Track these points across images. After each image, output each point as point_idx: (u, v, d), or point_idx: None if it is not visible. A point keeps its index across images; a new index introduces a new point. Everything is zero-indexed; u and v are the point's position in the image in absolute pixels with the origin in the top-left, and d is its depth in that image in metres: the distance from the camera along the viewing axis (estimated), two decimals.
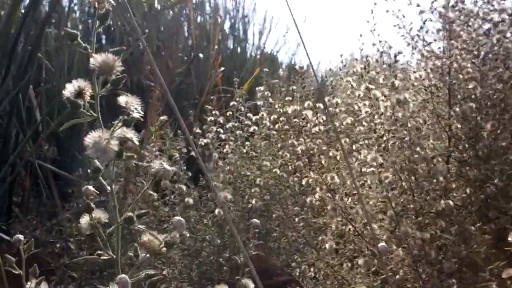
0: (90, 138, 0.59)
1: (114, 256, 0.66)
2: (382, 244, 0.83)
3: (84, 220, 0.66)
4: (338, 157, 1.58)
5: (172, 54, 3.42)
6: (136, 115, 0.63)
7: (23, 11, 2.18)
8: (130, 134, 0.64)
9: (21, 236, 0.83)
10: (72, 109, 0.63)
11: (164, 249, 0.66)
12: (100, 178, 0.64)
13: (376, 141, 1.31)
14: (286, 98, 2.02)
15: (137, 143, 0.64)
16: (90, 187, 0.67)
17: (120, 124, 0.63)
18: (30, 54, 2.10)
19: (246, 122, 2.19)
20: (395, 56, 1.30)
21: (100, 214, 0.66)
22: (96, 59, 0.62)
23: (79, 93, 0.62)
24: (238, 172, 2.08)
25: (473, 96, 1.38)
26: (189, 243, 1.84)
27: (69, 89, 0.63)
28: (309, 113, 1.47)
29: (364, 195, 1.35)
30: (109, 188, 0.65)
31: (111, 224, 0.66)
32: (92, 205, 0.65)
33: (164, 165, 0.67)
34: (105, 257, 0.65)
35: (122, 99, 0.63)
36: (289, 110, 1.50)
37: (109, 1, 0.66)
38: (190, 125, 2.41)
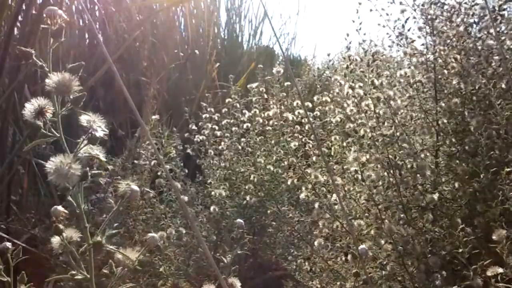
0: (52, 164, 0.59)
1: (88, 276, 0.66)
2: (362, 246, 0.85)
3: (56, 240, 0.65)
4: (332, 153, 1.62)
5: (168, 50, 3.43)
6: (100, 133, 0.62)
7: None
8: (96, 151, 0.63)
9: (8, 244, 0.84)
10: (32, 131, 0.62)
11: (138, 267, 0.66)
12: (69, 197, 0.64)
13: (357, 140, 1.34)
14: (281, 94, 2.05)
15: (104, 159, 0.64)
16: (59, 208, 0.66)
17: (84, 143, 0.63)
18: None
19: (241, 119, 2.22)
20: (373, 55, 1.32)
21: (71, 233, 0.65)
22: (53, 79, 0.61)
23: (39, 112, 0.62)
24: (233, 169, 2.11)
25: (458, 92, 1.40)
26: (186, 239, 1.86)
27: (29, 109, 0.62)
28: (290, 116, 1.49)
29: (351, 191, 1.37)
30: (78, 209, 0.65)
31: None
32: (61, 226, 0.65)
33: (132, 186, 0.66)
34: (79, 277, 0.65)
35: (84, 118, 0.63)
36: (270, 113, 1.52)
37: (61, 16, 0.64)
38: (186, 122, 2.44)
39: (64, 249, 0.65)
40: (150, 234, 0.70)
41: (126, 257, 0.65)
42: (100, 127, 0.63)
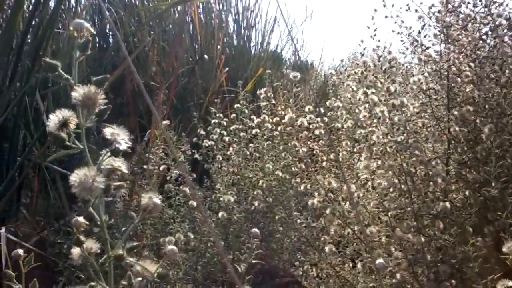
0: (76, 177, 0.59)
1: (108, 287, 0.66)
2: (379, 261, 0.84)
3: (76, 251, 0.65)
4: (340, 159, 1.61)
5: (177, 55, 3.45)
6: (123, 146, 0.63)
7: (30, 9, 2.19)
8: (118, 163, 0.64)
9: (20, 251, 0.84)
10: (56, 142, 0.62)
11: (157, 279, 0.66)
12: (91, 209, 0.64)
13: (369, 148, 1.33)
14: (290, 100, 2.05)
15: (126, 171, 0.64)
16: (80, 219, 0.66)
17: (107, 155, 0.63)
18: (36, 55, 2.12)
19: (249, 124, 2.22)
20: (390, 62, 1.32)
21: (91, 244, 0.66)
22: (79, 93, 0.61)
23: (64, 124, 0.62)
24: (242, 174, 2.11)
25: (471, 100, 1.40)
26: (194, 244, 1.86)
27: (53, 120, 0.62)
28: (305, 121, 1.49)
29: (362, 198, 1.37)
30: (99, 220, 0.65)
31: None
32: (82, 238, 0.65)
33: (154, 200, 0.66)
34: None
35: (108, 131, 0.63)
36: (286, 118, 1.51)
37: (88, 29, 0.65)
38: (194, 127, 2.44)
39: (84, 260, 0.65)
40: (170, 247, 0.69)
41: (145, 270, 0.65)
42: (123, 140, 0.63)
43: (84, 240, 0.65)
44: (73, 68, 0.65)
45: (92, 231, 0.67)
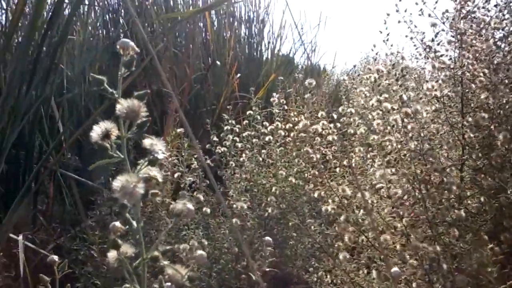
0: (118, 182, 0.63)
1: None
2: (395, 269, 0.85)
3: (112, 254, 0.68)
4: (353, 165, 1.61)
5: (189, 61, 3.47)
6: (161, 156, 0.66)
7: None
8: (154, 172, 0.67)
9: (55, 257, 0.87)
10: (100, 151, 0.66)
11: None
12: (127, 214, 0.67)
13: (383, 157, 1.33)
14: (304, 108, 2.05)
15: (161, 179, 0.67)
16: (117, 224, 0.70)
17: (145, 164, 0.66)
18: (51, 63, 2.16)
19: (262, 131, 2.23)
20: (402, 70, 1.32)
21: (127, 249, 0.68)
22: (123, 106, 0.65)
23: (106, 135, 0.66)
24: (255, 180, 2.12)
25: (485, 106, 1.39)
26: (208, 250, 1.87)
27: (97, 131, 0.66)
28: (318, 127, 1.49)
29: (376, 206, 1.37)
30: (135, 225, 0.68)
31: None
32: (119, 241, 0.68)
33: (188, 205, 0.70)
34: None
35: (147, 142, 0.66)
36: (300, 125, 1.52)
37: (133, 48, 0.69)
38: (207, 133, 2.46)
39: (120, 263, 0.68)
40: (199, 252, 0.72)
41: (177, 272, 0.67)
42: (161, 150, 0.66)
43: (120, 244, 0.68)
44: (118, 83, 0.69)
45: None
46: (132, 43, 0.69)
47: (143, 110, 0.66)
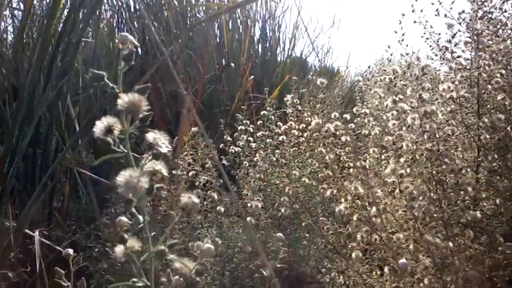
0: (122, 177, 0.62)
1: (149, 283, 0.69)
2: (402, 260, 0.85)
3: (119, 249, 0.68)
4: (367, 166, 1.61)
5: (204, 62, 3.49)
6: (164, 150, 0.66)
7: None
8: (159, 166, 0.66)
9: (71, 251, 0.88)
10: (103, 146, 0.66)
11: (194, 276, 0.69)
12: (133, 209, 0.67)
13: (396, 156, 1.33)
14: (317, 106, 2.05)
15: (166, 174, 0.67)
16: (124, 219, 0.69)
17: (149, 159, 0.66)
18: (68, 63, 2.19)
19: (276, 131, 2.24)
20: (423, 69, 1.31)
21: (134, 243, 0.68)
22: (124, 100, 0.64)
23: (109, 130, 0.65)
24: (268, 180, 2.12)
25: (502, 107, 1.38)
26: (221, 249, 1.88)
27: (99, 127, 0.65)
28: (331, 127, 1.49)
29: (389, 205, 1.36)
30: (141, 219, 0.68)
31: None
32: (126, 236, 0.68)
33: (193, 199, 0.70)
34: (140, 284, 0.68)
35: (150, 136, 0.66)
36: (313, 123, 1.52)
37: (132, 42, 0.69)
38: (221, 133, 2.47)
39: (127, 257, 0.67)
40: (207, 245, 0.72)
41: (185, 266, 0.68)
42: (164, 144, 0.66)
43: (127, 238, 0.68)
44: (118, 78, 0.69)
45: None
46: (131, 37, 0.68)
47: (145, 104, 0.65)
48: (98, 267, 1.88)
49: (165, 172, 0.67)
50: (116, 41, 0.68)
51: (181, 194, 0.71)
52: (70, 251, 0.89)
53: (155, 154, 0.66)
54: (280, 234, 0.96)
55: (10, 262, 1.75)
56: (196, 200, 0.70)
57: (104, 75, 0.68)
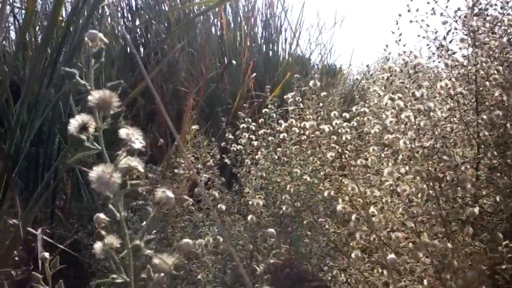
0: (94, 173, 0.63)
1: (128, 279, 0.69)
2: (391, 256, 0.85)
3: (98, 245, 0.69)
4: (368, 164, 1.61)
5: (206, 60, 3.50)
6: (137, 146, 0.66)
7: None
8: (135, 162, 0.67)
9: (46, 254, 0.88)
10: (76, 144, 0.66)
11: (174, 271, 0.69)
12: (110, 206, 0.68)
13: (394, 154, 1.33)
14: (314, 106, 2.06)
15: (142, 170, 0.67)
16: (101, 215, 0.70)
17: (123, 155, 0.66)
18: (70, 62, 2.20)
19: (278, 129, 2.24)
20: (415, 67, 1.31)
21: (113, 240, 0.69)
22: (94, 96, 0.65)
23: (83, 127, 0.65)
24: (270, 178, 2.13)
25: (500, 104, 1.38)
26: (223, 248, 1.89)
27: (73, 124, 0.65)
28: (326, 128, 1.50)
29: (389, 204, 1.37)
30: (118, 216, 0.68)
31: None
32: (103, 232, 0.69)
33: (167, 193, 0.69)
34: (119, 280, 0.69)
35: (124, 132, 0.66)
36: (307, 125, 1.53)
37: (101, 39, 0.69)
38: (223, 132, 2.48)
39: (106, 254, 0.68)
40: (184, 240, 0.73)
41: (163, 261, 0.68)
42: (138, 140, 0.66)
43: (105, 235, 0.68)
44: (89, 75, 0.68)
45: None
46: (100, 34, 0.69)
47: (116, 100, 0.65)
48: (100, 265, 1.90)
49: (141, 168, 0.67)
50: (86, 38, 0.68)
51: (156, 189, 0.71)
52: (46, 254, 0.89)
53: (129, 151, 0.66)
54: (272, 230, 0.97)
55: (13, 260, 1.77)
56: (171, 194, 0.70)
57: (75, 73, 0.68)
